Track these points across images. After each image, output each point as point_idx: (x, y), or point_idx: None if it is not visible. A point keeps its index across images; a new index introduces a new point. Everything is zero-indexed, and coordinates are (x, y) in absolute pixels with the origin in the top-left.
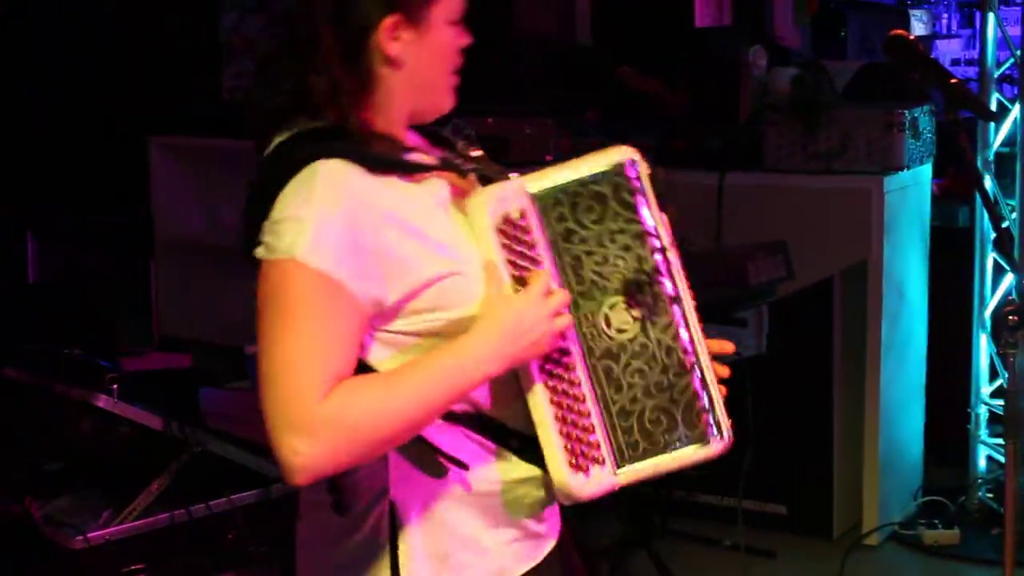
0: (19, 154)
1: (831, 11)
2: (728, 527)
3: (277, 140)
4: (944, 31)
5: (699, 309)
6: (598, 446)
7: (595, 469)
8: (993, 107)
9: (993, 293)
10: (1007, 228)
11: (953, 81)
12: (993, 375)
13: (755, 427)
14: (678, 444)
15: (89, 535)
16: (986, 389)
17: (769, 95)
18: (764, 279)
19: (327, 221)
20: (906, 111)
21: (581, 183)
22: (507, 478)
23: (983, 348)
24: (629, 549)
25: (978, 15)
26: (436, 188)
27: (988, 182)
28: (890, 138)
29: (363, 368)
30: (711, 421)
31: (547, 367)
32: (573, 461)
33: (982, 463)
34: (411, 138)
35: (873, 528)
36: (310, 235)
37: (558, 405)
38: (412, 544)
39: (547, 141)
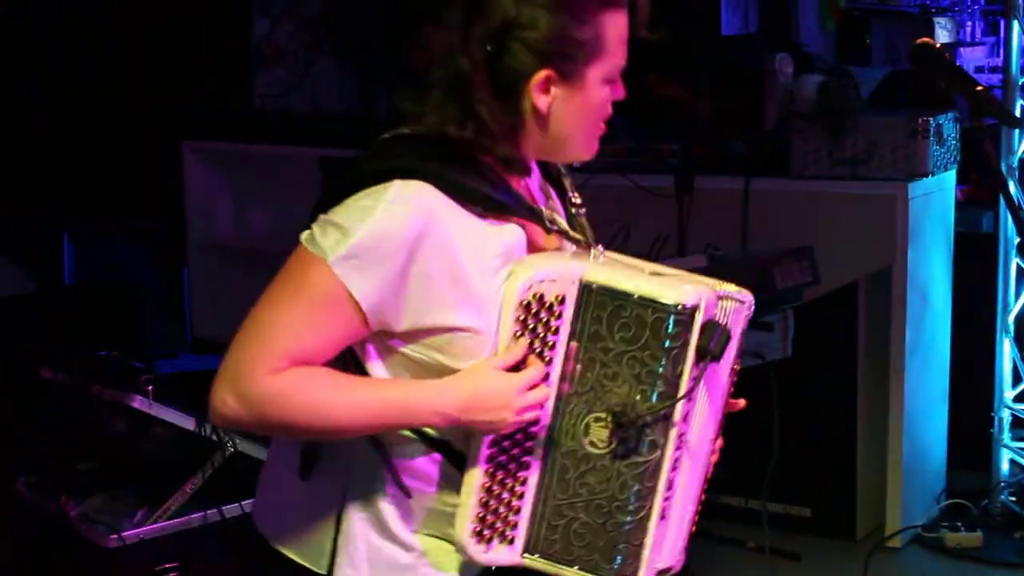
0: (55, 158)
1: (856, 19)
2: (753, 529)
3: (383, 136)
4: (968, 39)
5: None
6: (515, 526)
7: (498, 544)
8: (1017, 114)
9: (1017, 298)
10: None
11: (979, 88)
12: (1016, 379)
13: (780, 430)
14: (585, 566)
15: (123, 534)
16: (1009, 393)
17: (795, 102)
18: (790, 284)
19: (373, 239)
20: (931, 118)
21: (629, 300)
22: (435, 498)
23: (1006, 353)
24: None
25: (1002, 23)
26: (510, 235)
27: (1012, 188)
28: (915, 145)
29: (349, 353)
30: (623, 569)
31: (504, 442)
32: (479, 529)
33: (1005, 467)
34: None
35: (896, 531)
36: (350, 248)
37: (493, 477)
38: (352, 528)
39: None
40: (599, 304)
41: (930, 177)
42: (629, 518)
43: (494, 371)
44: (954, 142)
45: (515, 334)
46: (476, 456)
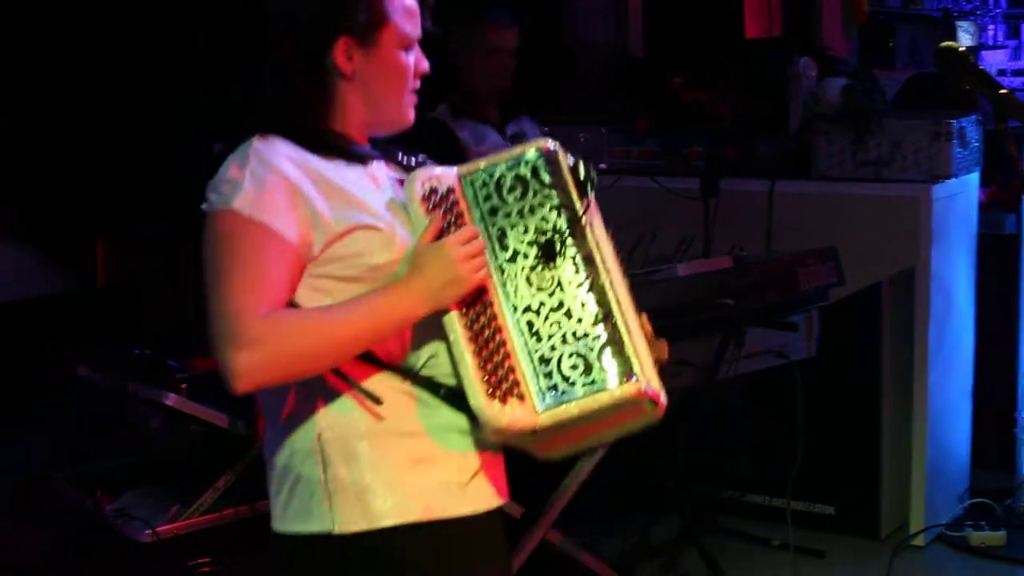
0: (89, 162)
1: (879, 22)
2: (777, 527)
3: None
4: (990, 42)
5: (750, 317)
6: (518, 384)
7: (514, 401)
8: None
9: None
10: None
11: (1002, 91)
12: None
13: (804, 429)
14: (595, 386)
15: (158, 528)
16: None
17: (819, 105)
18: (814, 285)
19: (259, 177)
20: (954, 121)
21: (507, 167)
22: (429, 423)
23: None
24: (681, 547)
25: None
26: (376, 170)
27: None
28: (939, 147)
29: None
30: (626, 367)
31: (469, 312)
32: (491, 391)
33: None
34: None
35: (920, 529)
36: (243, 189)
37: (476, 343)
38: (337, 474)
39: (601, 149)
40: (483, 184)
41: (954, 179)
42: (601, 327)
43: (430, 244)
44: (977, 145)
45: (432, 220)
46: (456, 331)
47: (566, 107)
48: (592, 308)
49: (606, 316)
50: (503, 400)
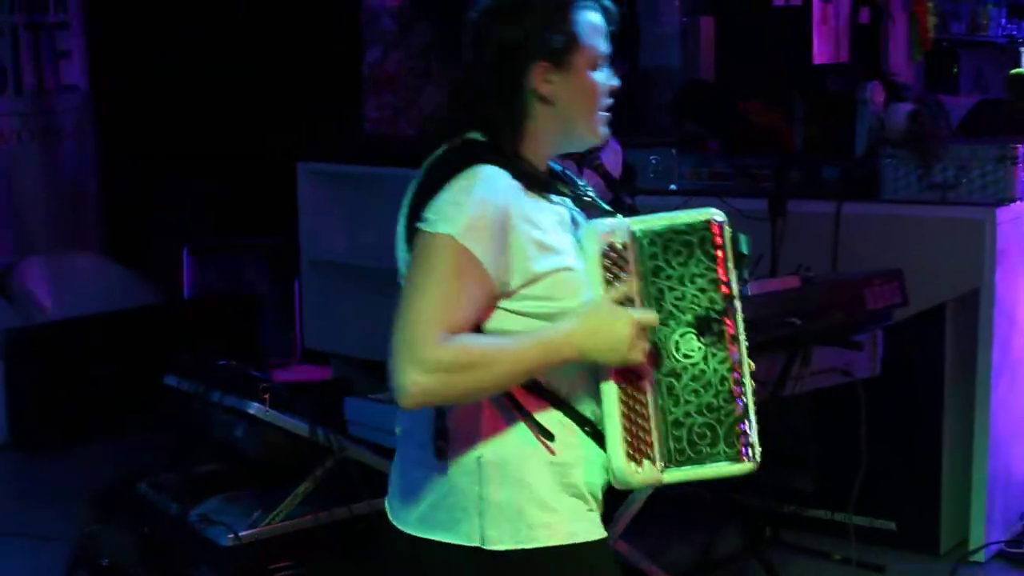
0: (177, 180)
1: (944, 49)
2: (838, 541)
3: (444, 147)
4: None
5: (816, 336)
6: (652, 445)
7: (647, 463)
8: None
9: None
10: None
11: None
12: None
13: (867, 446)
14: (716, 459)
15: (240, 533)
16: None
17: (885, 129)
18: (880, 305)
19: (480, 210)
20: (1020, 145)
21: (675, 231)
22: (576, 454)
23: None
24: (744, 560)
25: None
26: (560, 208)
27: None
28: (1004, 170)
29: (480, 332)
30: (747, 444)
31: (623, 372)
32: (630, 452)
33: None
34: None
35: (980, 546)
36: (466, 218)
37: (625, 404)
38: (493, 494)
39: (672, 170)
40: (651, 243)
41: (1018, 202)
42: (734, 405)
43: (611, 306)
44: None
45: (604, 280)
46: (610, 388)
47: (640, 129)
48: (729, 385)
49: (739, 395)
50: (639, 462)
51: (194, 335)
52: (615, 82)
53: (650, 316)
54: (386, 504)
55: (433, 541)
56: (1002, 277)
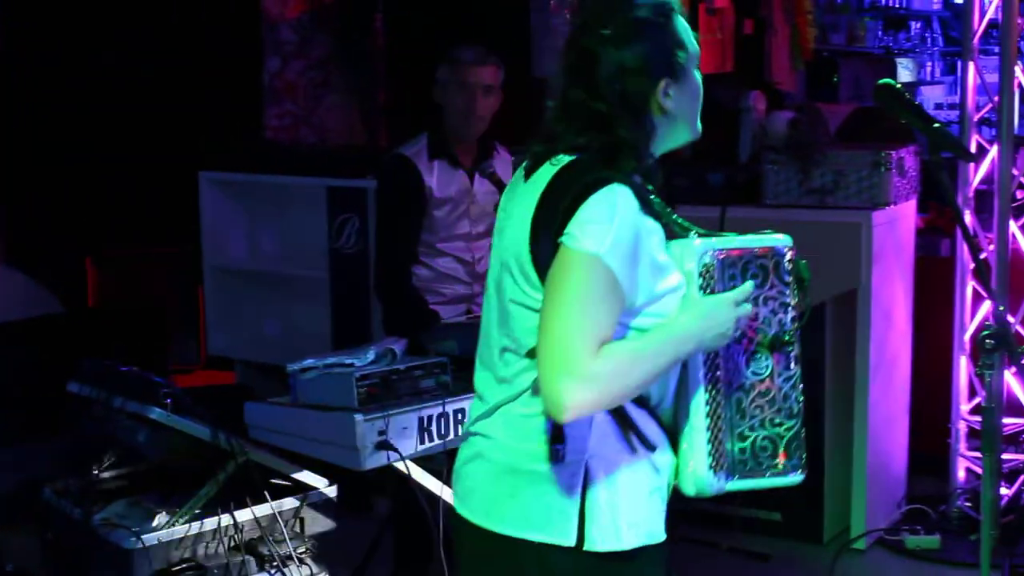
0: (80, 189)
1: (824, 59)
2: (726, 532)
3: (560, 159)
4: (928, 78)
5: None
6: (724, 455)
7: (721, 473)
8: (973, 148)
9: (972, 319)
10: (985, 259)
11: (936, 125)
12: (971, 394)
13: None
14: (774, 471)
15: (143, 536)
16: (965, 406)
17: (768, 136)
18: None
19: (621, 231)
20: (893, 152)
21: (752, 255)
22: (661, 461)
23: (963, 369)
24: None
25: (960, 63)
26: (659, 227)
27: (968, 216)
28: (878, 176)
29: None
30: (800, 458)
31: (712, 387)
32: (713, 463)
33: (961, 474)
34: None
35: (861, 534)
36: (611, 238)
37: (712, 415)
38: (596, 496)
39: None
40: (731, 264)
41: (892, 206)
42: (794, 422)
43: (705, 298)
44: (914, 174)
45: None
46: (699, 402)
47: (534, 137)
48: (791, 403)
49: (799, 412)
50: (716, 472)
51: (98, 343)
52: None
53: (744, 288)
54: (461, 506)
55: (527, 540)
56: (878, 277)
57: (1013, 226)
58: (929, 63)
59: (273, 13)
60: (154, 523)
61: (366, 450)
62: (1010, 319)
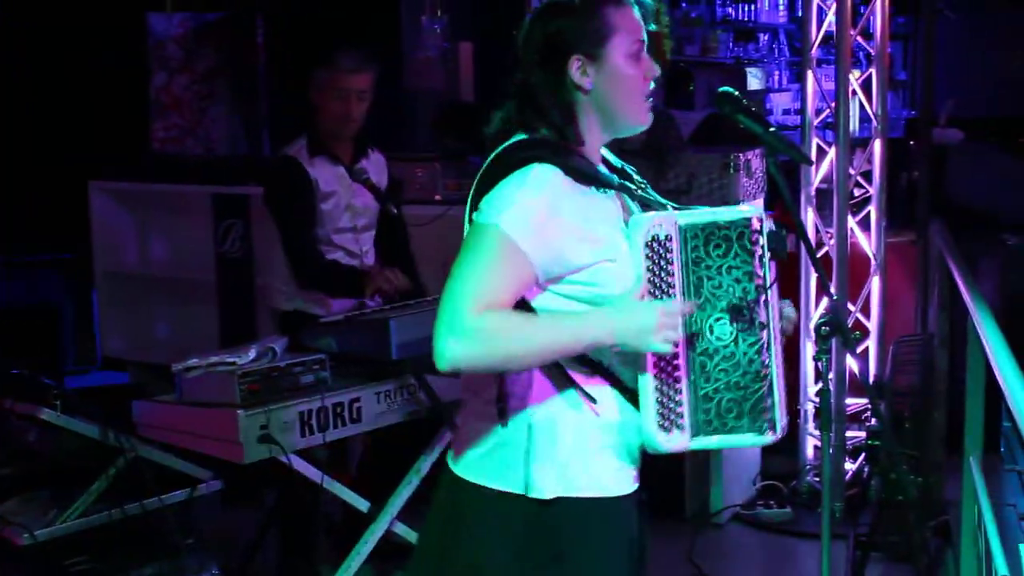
0: None
1: (680, 69)
2: None
3: (502, 146)
4: (776, 86)
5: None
6: (683, 416)
7: (676, 431)
8: (813, 150)
9: (816, 308)
10: (825, 254)
11: (771, 129)
12: (818, 377)
13: None
14: (740, 431)
15: (35, 532)
16: (812, 388)
17: (625, 141)
18: None
19: (529, 206)
20: (741, 154)
21: (717, 225)
22: (619, 419)
23: (808, 355)
24: None
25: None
26: (610, 201)
27: (810, 214)
28: (728, 177)
29: (526, 307)
30: (769, 419)
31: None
32: (662, 422)
33: (810, 452)
34: (603, 162)
35: (720, 509)
36: (515, 212)
37: (659, 379)
38: (541, 452)
39: (435, 182)
40: (694, 235)
41: (742, 204)
42: (759, 384)
43: (641, 303)
44: (761, 174)
45: (646, 267)
46: (644, 367)
47: (405, 145)
48: (756, 367)
49: (765, 376)
50: (668, 430)
51: None
52: (656, 70)
53: (677, 307)
54: (449, 451)
55: (481, 486)
56: None
57: (851, 221)
58: (777, 72)
59: (159, 30)
60: (46, 519)
61: (249, 444)
62: (851, 307)
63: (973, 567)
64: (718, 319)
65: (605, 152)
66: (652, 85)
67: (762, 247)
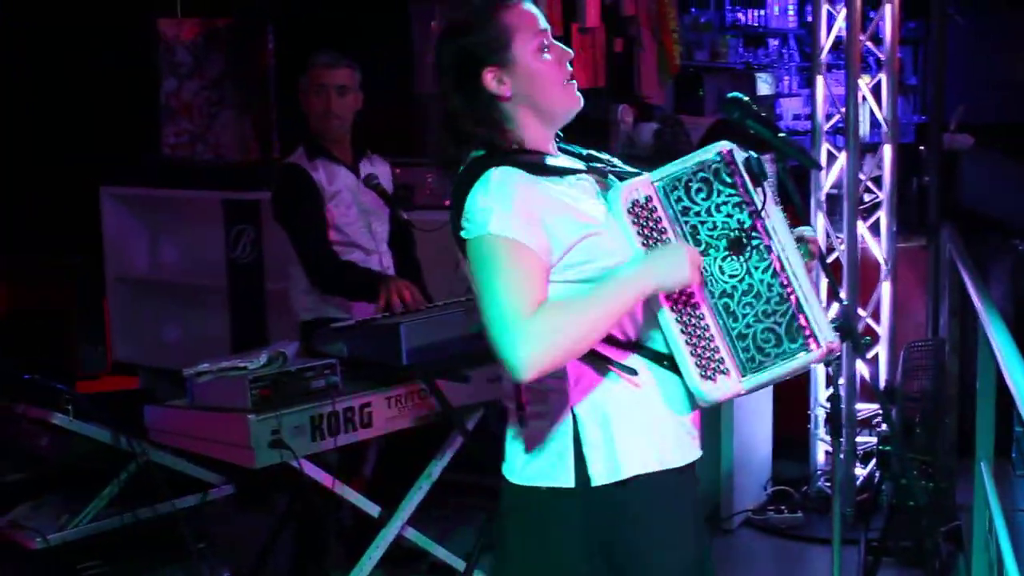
0: None
1: (690, 74)
2: None
3: (463, 167)
4: (786, 91)
5: None
6: (723, 361)
7: (721, 378)
8: (823, 155)
9: (828, 313)
10: (836, 259)
11: (781, 135)
12: (829, 382)
13: None
14: (786, 355)
15: (48, 536)
16: (823, 394)
17: (635, 146)
18: None
19: (506, 203)
20: None
21: (692, 172)
22: (660, 390)
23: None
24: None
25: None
26: (586, 184)
27: (820, 219)
28: None
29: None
30: (810, 334)
31: (676, 306)
32: (702, 372)
33: (821, 457)
34: (559, 153)
35: (730, 514)
36: (493, 216)
37: (685, 331)
38: (589, 436)
39: (445, 187)
40: (674, 188)
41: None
42: (787, 305)
43: (667, 248)
44: (771, 180)
45: (636, 232)
46: (667, 323)
47: (416, 150)
48: (777, 289)
49: (788, 295)
50: (713, 379)
51: (4, 352)
52: (569, 53)
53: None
54: (502, 463)
55: (536, 487)
56: None
57: (862, 227)
58: (787, 77)
59: (169, 35)
60: (59, 523)
61: (260, 449)
62: (861, 312)
63: (984, 572)
64: (724, 258)
65: (563, 144)
66: (569, 67)
67: (742, 175)
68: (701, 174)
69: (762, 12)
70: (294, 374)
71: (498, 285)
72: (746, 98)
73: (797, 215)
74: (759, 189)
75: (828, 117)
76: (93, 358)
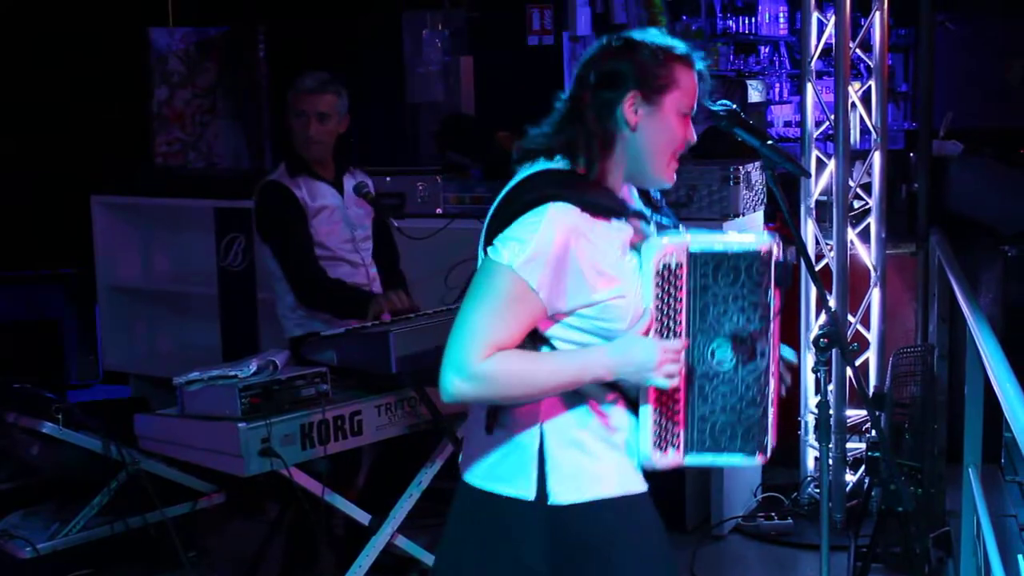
0: None
1: None
2: None
3: (524, 173)
4: (777, 98)
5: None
6: (678, 436)
7: (671, 450)
8: (813, 162)
9: (816, 319)
10: (825, 266)
11: (769, 142)
12: (817, 389)
13: None
14: (733, 453)
15: (38, 545)
16: (812, 400)
17: None
18: None
19: (542, 247)
20: (741, 167)
21: (726, 256)
22: (627, 422)
23: (808, 366)
24: None
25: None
26: (626, 231)
27: (810, 225)
28: (728, 189)
29: (538, 336)
30: (759, 444)
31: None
32: (656, 442)
33: (811, 463)
34: (624, 192)
35: (720, 521)
36: (528, 255)
37: (657, 406)
38: (555, 458)
39: (437, 195)
40: (704, 263)
41: (741, 216)
42: (754, 410)
43: (643, 339)
44: (760, 187)
45: (655, 295)
46: (646, 396)
47: (407, 159)
48: (752, 393)
49: (760, 402)
50: (664, 449)
51: None
52: (693, 136)
53: (679, 343)
54: (460, 460)
55: (494, 493)
56: None
57: (851, 233)
58: (778, 84)
59: (160, 44)
60: (49, 532)
61: (250, 457)
62: (851, 319)
63: None
64: (720, 345)
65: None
66: (684, 151)
67: (769, 278)
68: (735, 262)
69: (753, 20)
70: (284, 383)
71: (480, 312)
72: (735, 106)
73: (785, 223)
74: (775, 293)
75: (818, 124)
76: (84, 367)
